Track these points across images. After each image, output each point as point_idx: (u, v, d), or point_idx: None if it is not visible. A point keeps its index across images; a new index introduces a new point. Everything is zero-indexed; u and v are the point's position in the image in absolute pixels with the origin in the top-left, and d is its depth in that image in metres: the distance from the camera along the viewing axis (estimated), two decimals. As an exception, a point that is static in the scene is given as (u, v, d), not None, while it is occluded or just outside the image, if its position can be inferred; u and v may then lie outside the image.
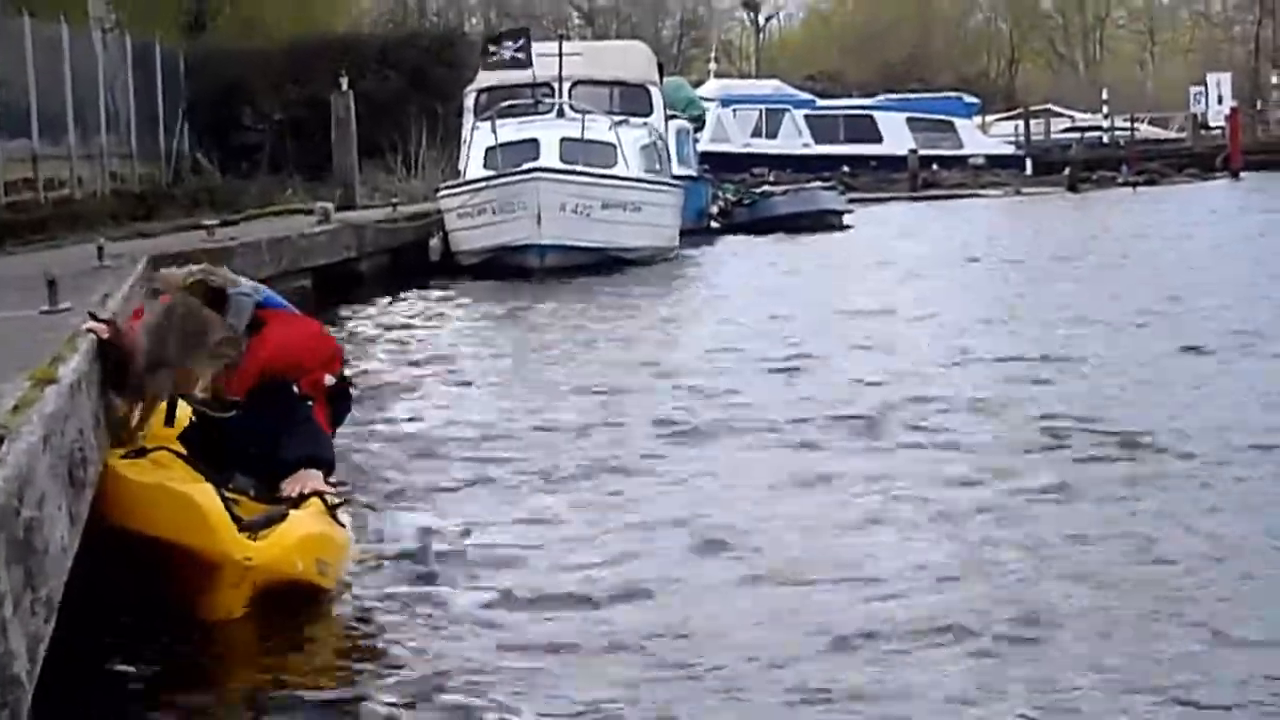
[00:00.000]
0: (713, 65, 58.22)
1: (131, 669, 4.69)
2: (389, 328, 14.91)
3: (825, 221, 29.63)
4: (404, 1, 54.79)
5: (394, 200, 22.33)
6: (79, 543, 4.16)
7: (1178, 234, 25.60)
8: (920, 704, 4.37)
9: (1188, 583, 5.41)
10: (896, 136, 46.24)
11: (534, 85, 22.59)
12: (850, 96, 52.76)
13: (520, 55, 22.01)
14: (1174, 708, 4.31)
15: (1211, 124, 52.84)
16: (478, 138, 21.86)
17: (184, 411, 5.59)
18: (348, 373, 6.22)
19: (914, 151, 44.35)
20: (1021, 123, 51.81)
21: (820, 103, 49.29)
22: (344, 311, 15.82)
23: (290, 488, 5.44)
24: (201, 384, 5.30)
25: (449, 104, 26.25)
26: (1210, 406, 8.86)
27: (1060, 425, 8.24)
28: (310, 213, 18.16)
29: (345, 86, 23.04)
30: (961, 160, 46.85)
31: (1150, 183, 44.17)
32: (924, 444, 7.97)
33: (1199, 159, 48.42)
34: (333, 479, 5.76)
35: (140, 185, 24.21)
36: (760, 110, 47.01)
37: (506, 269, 19.90)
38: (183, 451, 5.35)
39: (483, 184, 20.45)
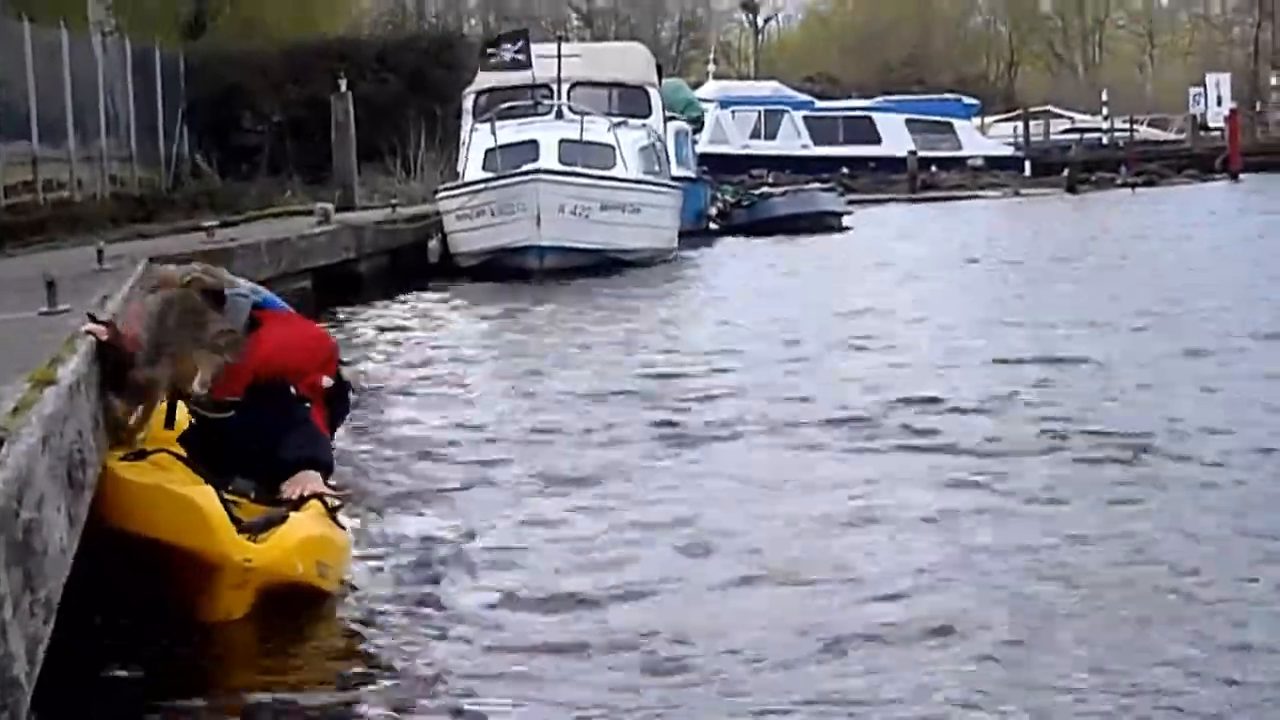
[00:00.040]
0: (711, 67, 58.33)
1: (131, 671, 4.69)
2: (388, 329, 14.91)
3: (824, 223, 29.65)
4: (403, 4, 54.82)
5: (393, 202, 22.34)
6: (78, 544, 4.16)
7: (1177, 235, 25.62)
8: (920, 705, 4.37)
9: (1187, 584, 5.41)
10: (895, 138, 46.27)
11: (533, 87, 22.60)
12: (849, 98, 52.80)
13: (520, 57, 22.03)
14: (1173, 710, 4.31)
15: (1211, 125, 52.89)
16: (477, 139, 21.87)
17: (183, 414, 5.59)
18: (346, 374, 6.22)
19: (913, 153, 44.39)
20: (1021, 124, 51.85)
21: (819, 104, 49.33)
22: (343, 313, 15.82)
23: (290, 490, 5.44)
24: (200, 377, 5.30)
25: (448, 106, 26.27)
26: (1209, 408, 8.86)
27: (1059, 426, 8.24)
28: (310, 214, 18.18)
29: (344, 88, 23.05)
30: (960, 161, 46.88)
31: (1149, 184, 44.20)
32: (923, 445, 7.96)
33: (1198, 160, 48.46)
34: (332, 481, 5.76)
35: (140, 188, 24.24)
36: (759, 112, 47.05)
37: (505, 270, 19.90)
38: (182, 454, 5.35)
39: (482, 186, 20.45)
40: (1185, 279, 17.34)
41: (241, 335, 5.44)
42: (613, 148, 21.67)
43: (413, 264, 20.44)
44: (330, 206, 18.52)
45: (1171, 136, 55.22)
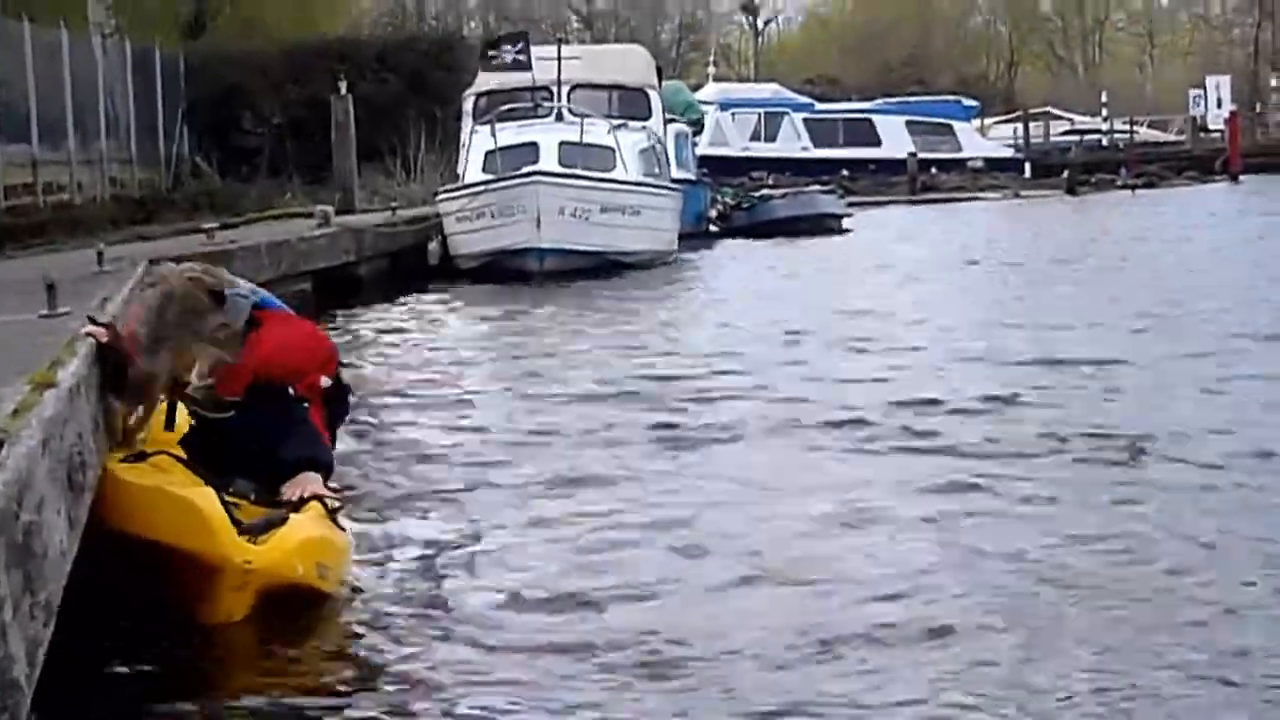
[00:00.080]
0: (711, 69, 58.31)
1: (131, 673, 4.69)
2: (388, 331, 14.90)
3: (824, 225, 29.65)
4: (402, 4, 54.80)
5: (393, 204, 22.34)
6: (78, 547, 4.16)
7: (1177, 237, 25.63)
8: (919, 706, 4.37)
9: (1186, 586, 5.41)
10: (895, 140, 46.26)
11: (533, 89, 22.60)
12: (849, 100, 52.79)
13: (521, 58, 22.06)
14: (1173, 712, 4.31)
15: (1211, 127, 52.85)
16: (477, 141, 21.87)
17: (183, 417, 5.59)
18: (345, 375, 6.22)
19: (913, 155, 44.38)
20: (1020, 125, 51.82)
21: (819, 106, 49.31)
22: (343, 315, 15.82)
23: (290, 491, 5.44)
24: (199, 368, 5.30)
25: (447, 107, 26.26)
26: (1209, 409, 8.86)
27: (1059, 428, 8.24)
28: (310, 216, 18.18)
29: (344, 90, 23.05)
30: (960, 163, 46.86)
31: (1149, 185, 44.18)
32: (922, 447, 7.97)
33: (1198, 162, 48.44)
34: (332, 483, 5.76)
35: (140, 190, 24.24)
36: (759, 114, 47.04)
37: (506, 273, 19.90)
38: (183, 455, 5.35)
39: (482, 188, 20.45)
40: (1185, 280, 17.35)
41: (240, 332, 5.45)
42: (613, 150, 21.67)
43: (413, 266, 20.44)
44: (330, 209, 18.52)
45: (1171, 138, 55.21)
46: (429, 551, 6.05)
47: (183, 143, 27.27)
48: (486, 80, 23.17)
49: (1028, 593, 5.37)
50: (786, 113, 47.41)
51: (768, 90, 51.94)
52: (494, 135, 20.99)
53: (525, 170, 20.19)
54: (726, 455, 8.02)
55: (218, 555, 4.93)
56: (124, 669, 4.70)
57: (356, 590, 5.50)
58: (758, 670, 4.68)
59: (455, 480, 7.48)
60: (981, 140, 49.97)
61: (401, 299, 17.98)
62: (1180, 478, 7.10)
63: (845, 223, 30.70)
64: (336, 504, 5.65)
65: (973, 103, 51.25)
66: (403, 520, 6.61)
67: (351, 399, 6.37)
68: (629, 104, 24.03)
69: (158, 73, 25.91)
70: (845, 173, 43.52)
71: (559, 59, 22.93)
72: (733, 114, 46.06)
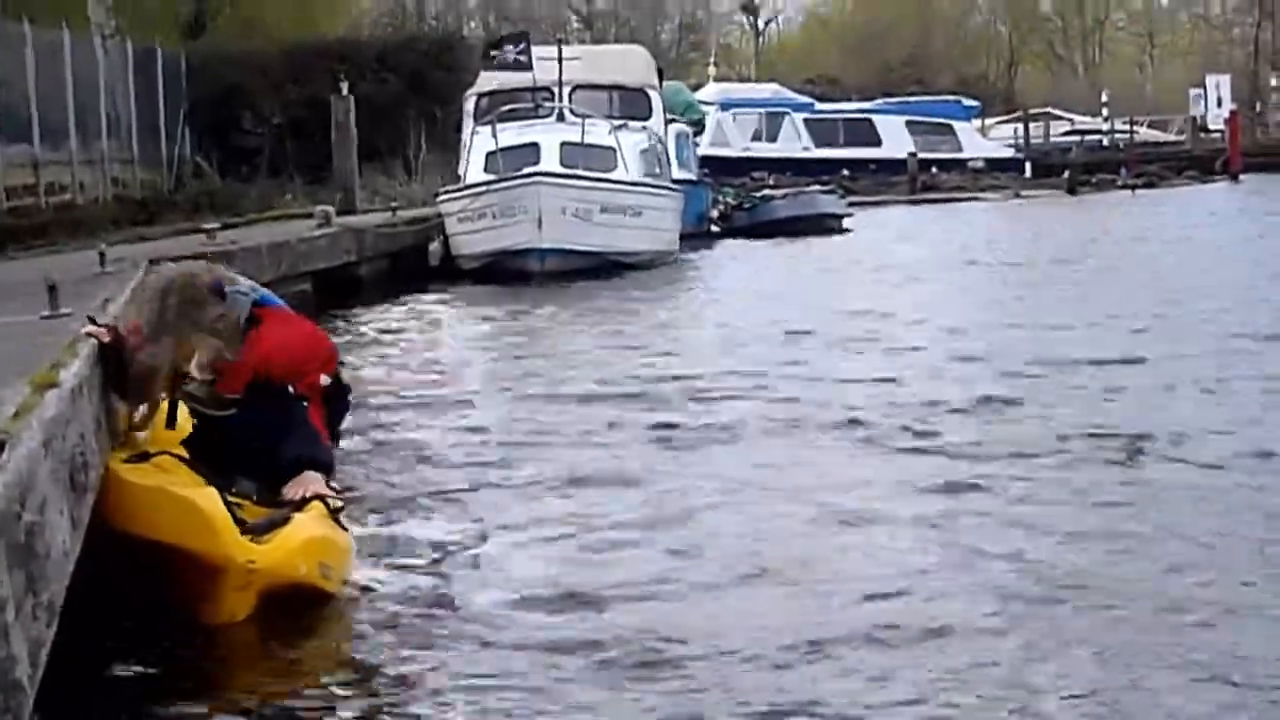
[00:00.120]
0: (712, 69, 58.31)
1: (134, 673, 4.70)
2: (388, 332, 14.92)
3: (825, 225, 29.66)
4: (403, 4, 54.80)
5: (393, 204, 22.33)
6: (81, 547, 4.17)
7: (1177, 237, 25.63)
8: (919, 707, 4.37)
9: (1187, 587, 5.41)
10: (896, 140, 46.26)
11: (534, 89, 22.61)
12: (849, 100, 52.78)
13: (522, 58, 22.08)
14: (1173, 713, 4.32)
15: (1211, 127, 52.85)
16: (478, 142, 21.88)
17: (185, 417, 5.60)
18: (345, 375, 6.23)
19: (913, 155, 44.38)
20: (1021, 125, 51.83)
21: (819, 106, 49.30)
22: (343, 316, 15.83)
23: (292, 491, 5.45)
24: (199, 359, 5.32)
25: (448, 108, 26.27)
26: (1210, 409, 8.87)
27: (1059, 428, 8.25)
28: (310, 216, 18.19)
29: (345, 90, 23.06)
30: (961, 163, 46.86)
31: (1149, 185, 44.18)
32: (922, 447, 7.97)
33: (1198, 162, 48.44)
34: (334, 482, 5.77)
35: (142, 190, 24.25)
36: (760, 114, 47.04)
37: (507, 273, 19.90)
38: (185, 456, 5.36)
39: (483, 188, 20.46)
40: (1185, 280, 17.35)
41: (240, 325, 5.46)
42: (614, 150, 21.68)
43: (413, 267, 20.45)
44: (331, 209, 18.53)
45: (1171, 138, 55.19)
46: (431, 551, 6.06)
47: (184, 143, 27.27)
48: (488, 81, 23.20)
49: (1027, 593, 5.37)
50: (787, 113, 47.41)
51: (768, 90, 51.94)
52: (495, 136, 20.99)
53: (526, 171, 20.20)
54: (726, 455, 8.03)
55: (221, 555, 4.94)
56: (127, 670, 4.71)
57: (359, 590, 5.52)
58: (757, 670, 4.69)
59: (456, 480, 7.49)
60: (982, 140, 49.97)
61: (402, 299, 17.98)
62: (1180, 478, 7.10)
63: (846, 223, 30.71)
64: (338, 504, 5.66)
65: (973, 103, 51.25)
66: (404, 520, 6.62)
67: (351, 398, 6.38)
68: (630, 104, 24.04)
69: (159, 73, 25.90)
70: (846, 173, 43.51)
71: (559, 60, 22.94)
72: (733, 114, 46.05)
